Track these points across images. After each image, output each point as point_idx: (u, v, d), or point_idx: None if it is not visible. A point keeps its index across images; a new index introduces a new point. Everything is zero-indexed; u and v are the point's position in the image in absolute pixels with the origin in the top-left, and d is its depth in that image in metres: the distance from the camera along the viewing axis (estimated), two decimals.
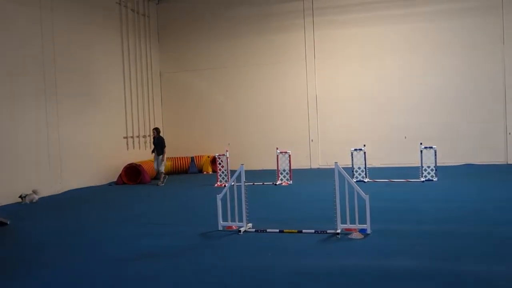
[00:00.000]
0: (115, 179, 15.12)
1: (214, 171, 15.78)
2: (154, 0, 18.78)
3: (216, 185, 13.19)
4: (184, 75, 18.98)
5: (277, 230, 7.06)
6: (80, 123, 14.19)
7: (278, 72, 17.81)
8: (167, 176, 14.64)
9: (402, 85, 16.53)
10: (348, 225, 6.67)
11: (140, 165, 14.86)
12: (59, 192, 12.90)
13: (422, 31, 16.31)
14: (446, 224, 7.13)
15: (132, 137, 16.87)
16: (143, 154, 16.95)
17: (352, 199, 6.57)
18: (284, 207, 9.57)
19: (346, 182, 6.62)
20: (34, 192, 11.43)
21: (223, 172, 13.33)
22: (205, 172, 17.27)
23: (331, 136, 17.13)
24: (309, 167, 17.31)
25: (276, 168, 13.43)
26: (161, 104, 19.29)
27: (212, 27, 18.46)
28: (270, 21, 17.78)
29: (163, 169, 14.43)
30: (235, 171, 7.36)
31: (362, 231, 6.60)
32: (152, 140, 15.16)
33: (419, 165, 12.40)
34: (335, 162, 6.78)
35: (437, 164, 12.34)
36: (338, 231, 6.70)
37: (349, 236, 6.53)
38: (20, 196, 11.28)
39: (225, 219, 7.34)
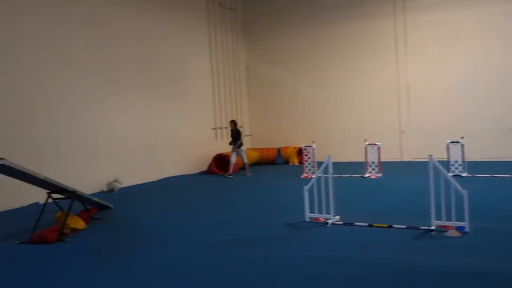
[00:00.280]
0: (205, 169, 15.73)
1: (300, 162, 15.77)
2: None
3: (302, 176, 13.18)
4: (269, 67, 19.11)
5: (366, 224, 6.88)
6: (172, 114, 14.93)
7: (366, 61, 17.25)
8: (248, 167, 14.74)
9: (506, 72, 15.17)
10: (444, 222, 6.30)
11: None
12: (155, 180, 13.73)
13: None
14: None
15: (220, 128, 17.39)
16: None
17: (448, 195, 6.19)
18: (372, 200, 9.29)
19: (442, 176, 6.24)
20: (116, 181, 11.94)
21: (309, 164, 13.29)
22: (291, 163, 17.32)
23: (424, 128, 16.28)
24: (400, 160, 16.64)
25: (364, 160, 13.09)
26: (248, 96, 19.63)
27: (296, 17, 18.34)
28: (356, 8, 17.22)
29: (245, 159, 14.63)
30: (321, 162, 7.28)
31: (460, 229, 6.20)
32: (230, 132, 15.24)
33: None
34: (430, 155, 6.42)
35: None
36: (433, 227, 6.35)
37: (445, 234, 6.16)
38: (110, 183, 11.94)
39: (312, 210, 7.30)
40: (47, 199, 7.38)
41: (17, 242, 6.75)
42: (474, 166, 12.62)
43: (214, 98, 17.23)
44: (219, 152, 15.65)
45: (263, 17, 19.04)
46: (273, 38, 18.85)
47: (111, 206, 9.13)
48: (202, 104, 16.61)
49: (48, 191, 7.38)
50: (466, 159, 12.06)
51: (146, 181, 13.43)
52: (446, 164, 11.69)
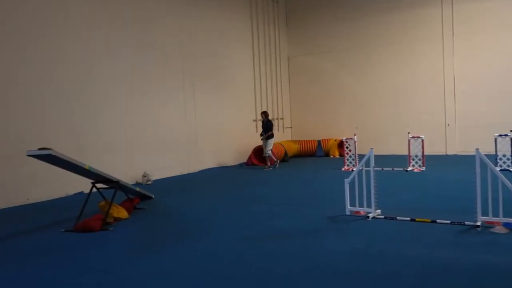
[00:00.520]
0: (245, 160, 15.81)
1: (341, 155, 15.56)
2: None
3: (343, 169, 13.00)
4: (311, 58, 18.91)
5: (408, 219, 6.70)
6: (213, 106, 15.08)
7: (410, 52, 16.75)
8: (277, 162, 14.56)
9: None
10: (490, 218, 6.04)
11: None
12: (195, 171, 13.94)
13: None
14: None
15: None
16: None
17: (496, 190, 5.92)
18: (415, 194, 9.04)
19: (489, 170, 5.98)
20: (145, 175, 12.01)
21: (350, 156, 13.08)
22: (331, 156, 17.12)
23: (470, 120, 15.68)
24: (445, 153, 16.11)
25: (407, 153, 12.74)
26: (289, 88, 19.52)
27: (338, 8, 18.04)
28: None
29: (269, 152, 14.31)
30: (362, 155, 7.13)
31: (507, 225, 5.93)
32: (261, 124, 14.92)
33: None
34: (476, 149, 6.17)
35: None
36: (478, 223, 6.11)
37: (491, 230, 5.91)
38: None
39: (353, 204, 7.19)
40: (91, 189, 7.62)
41: (63, 230, 7.00)
42: None
43: (255, 90, 17.26)
44: (259, 144, 15.66)
45: (306, 8, 18.83)
46: (315, 29, 18.62)
47: (153, 196, 9.34)
48: (243, 96, 16.68)
49: (92, 180, 7.62)
50: None
51: (187, 172, 13.66)
52: (494, 158, 11.23)
